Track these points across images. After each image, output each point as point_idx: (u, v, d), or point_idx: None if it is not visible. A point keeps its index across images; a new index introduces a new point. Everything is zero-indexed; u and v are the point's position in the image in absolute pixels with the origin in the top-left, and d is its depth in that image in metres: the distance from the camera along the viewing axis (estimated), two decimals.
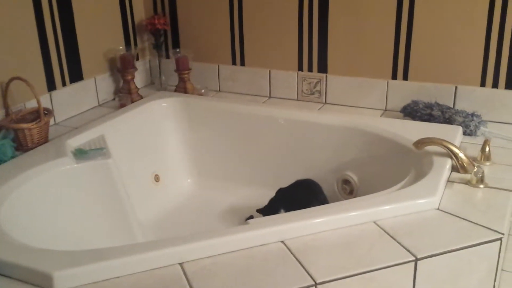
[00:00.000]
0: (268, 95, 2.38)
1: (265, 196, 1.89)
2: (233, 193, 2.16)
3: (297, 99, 2.33)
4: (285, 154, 2.11)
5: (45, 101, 2.01)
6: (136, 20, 2.49)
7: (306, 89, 2.30)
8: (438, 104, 1.99)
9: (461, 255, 1.25)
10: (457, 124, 1.87)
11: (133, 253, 1.20)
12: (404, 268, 1.20)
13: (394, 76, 2.14)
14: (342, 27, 2.16)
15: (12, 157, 1.72)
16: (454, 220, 1.35)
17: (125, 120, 2.07)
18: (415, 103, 2.02)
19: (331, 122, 2.00)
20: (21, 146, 1.81)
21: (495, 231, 1.29)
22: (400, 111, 2.07)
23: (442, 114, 1.93)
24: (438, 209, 1.40)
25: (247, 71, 2.40)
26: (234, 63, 2.42)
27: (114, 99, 2.37)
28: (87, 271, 1.16)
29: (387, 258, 1.21)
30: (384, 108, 2.18)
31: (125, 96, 2.30)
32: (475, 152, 1.68)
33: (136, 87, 2.35)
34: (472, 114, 1.91)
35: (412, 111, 2.00)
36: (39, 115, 1.84)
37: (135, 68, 2.33)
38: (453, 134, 1.77)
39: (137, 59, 2.49)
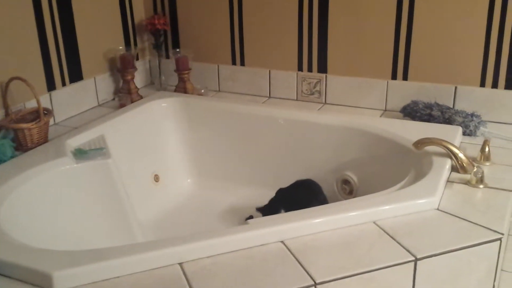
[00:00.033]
0: (268, 95, 2.38)
1: (265, 196, 1.89)
2: (233, 193, 2.16)
3: (297, 99, 2.33)
4: (284, 154, 2.11)
5: (44, 101, 2.01)
6: (136, 20, 2.49)
7: (306, 89, 2.30)
8: (437, 104, 1.99)
9: (461, 255, 1.25)
10: (457, 124, 1.87)
11: (132, 253, 1.21)
12: (403, 268, 1.21)
13: (394, 76, 2.14)
14: (342, 27, 2.16)
15: (12, 157, 1.72)
16: (454, 220, 1.35)
17: (125, 120, 2.07)
18: (414, 103, 2.02)
19: (331, 122, 2.00)
20: (21, 146, 1.81)
21: (495, 231, 1.29)
22: (400, 111, 2.07)
23: (441, 114, 1.93)
24: (437, 209, 1.40)
25: (247, 71, 2.40)
26: (234, 63, 2.42)
27: (114, 99, 2.37)
28: (87, 271, 1.16)
29: (386, 258, 1.21)
30: (384, 108, 2.18)
31: (125, 96, 2.30)
32: (475, 152, 1.68)
33: (136, 87, 2.35)
34: (472, 114, 1.91)
35: (412, 111, 2.00)
36: (38, 115, 1.84)
37: (135, 68, 2.33)
38: (453, 134, 1.77)
39: (137, 59, 2.49)
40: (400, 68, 2.12)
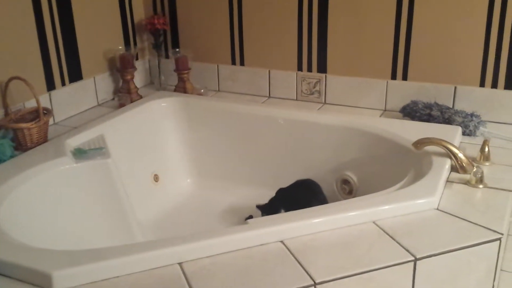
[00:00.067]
0: (268, 95, 2.38)
1: (265, 196, 1.89)
2: (232, 193, 2.16)
3: (296, 99, 2.33)
4: (284, 154, 2.11)
5: (44, 101, 2.01)
6: (136, 20, 2.49)
7: (306, 89, 2.30)
8: (437, 104, 1.99)
9: (460, 255, 1.25)
10: (457, 124, 1.87)
11: (132, 253, 1.21)
12: (403, 268, 1.21)
13: (394, 76, 2.14)
14: (341, 27, 2.16)
15: (11, 156, 1.72)
16: (453, 220, 1.35)
17: (125, 120, 2.07)
18: (414, 103, 2.02)
19: (330, 122, 2.00)
20: (20, 145, 1.81)
21: (494, 231, 1.29)
22: (400, 111, 2.07)
23: (441, 114, 1.93)
24: (437, 209, 1.40)
25: (246, 71, 2.40)
26: (233, 63, 2.42)
27: (113, 98, 2.37)
28: (86, 271, 1.16)
29: (386, 258, 1.21)
30: (384, 108, 2.18)
31: (124, 96, 2.30)
32: (474, 152, 1.68)
33: (136, 87, 2.35)
34: (472, 114, 1.91)
35: (412, 111, 2.00)
36: (38, 114, 1.84)
37: (134, 68, 2.33)
38: (452, 134, 1.77)
39: (137, 59, 2.49)
40: (399, 68, 2.12)
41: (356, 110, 2.19)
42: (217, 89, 2.48)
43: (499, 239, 1.27)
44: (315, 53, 2.25)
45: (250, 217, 1.90)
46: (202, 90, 2.40)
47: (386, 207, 1.38)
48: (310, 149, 2.05)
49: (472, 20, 1.95)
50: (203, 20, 2.42)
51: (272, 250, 1.25)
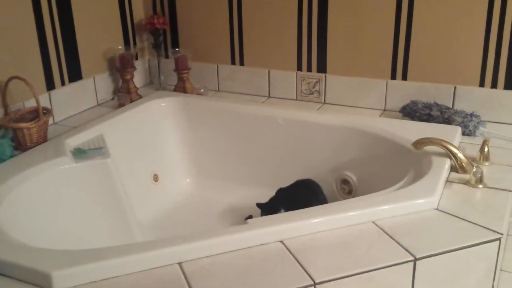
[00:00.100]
0: (267, 95, 2.38)
1: (264, 196, 1.89)
2: (232, 193, 2.16)
3: (296, 99, 2.33)
4: (284, 154, 2.11)
5: (44, 101, 2.01)
6: (135, 20, 2.48)
7: (305, 89, 2.30)
8: (437, 104, 1.99)
9: (460, 255, 1.25)
10: (456, 124, 1.87)
11: (131, 252, 1.20)
12: (403, 268, 1.21)
13: (393, 76, 2.14)
14: (341, 27, 2.16)
15: (11, 156, 1.72)
16: (453, 220, 1.35)
17: (124, 120, 2.07)
18: (414, 103, 2.02)
19: (330, 122, 2.00)
20: (20, 145, 1.81)
21: (494, 231, 1.29)
22: (399, 111, 2.07)
23: (441, 114, 1.93)
24: (437, 209, 1.40)
25: (246, 70, 2.40)
26: (233, 62, 2.42)
27: (113, 98, 2.37)
28: (86, 271, 1.16)
29: (385, 258, 1.21)
30: (383, 108, 2.18)
31: (124, 95, 2.30)
32: (474, 152, 1.68)
33: (135, 86, 2.35)
34: (471, 114, 1.91)
35: (411, 111, 2.00)
36: (38, 114, 1.84)
37: (134, 68, 2.33)
38: (452, 134, 1.77)
39: (136, 59, 2.49)
40: (399, 68, 2.12)
41: (356, 110, 2.19)
42: (217, 89, 2.48)
43: (499, 239, 1.27)
44: (314, 53, 2.25)
45: (250, 217, 1.90)
46: (202, 90, 2.40)
47: (386, 207, 1.38)
48: (310, 149, 2.05)
49: (472, 20, 1.95)
50: (202, 20, 2.42)
51: (272, 250, 1.25)
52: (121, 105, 2.24)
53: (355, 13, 2.12)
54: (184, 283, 1.14)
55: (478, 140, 1.76)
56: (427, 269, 1.23)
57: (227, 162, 2.22)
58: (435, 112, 1.94)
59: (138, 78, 2.45)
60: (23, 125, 1.79)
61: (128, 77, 2.32)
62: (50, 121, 2.00)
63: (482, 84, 2.00)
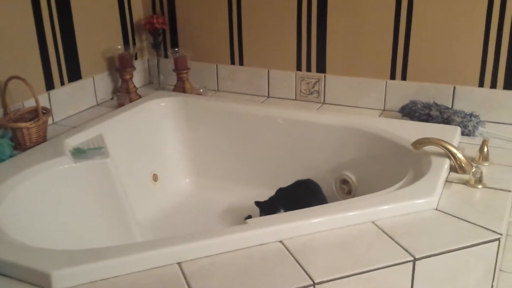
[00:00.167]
0: (267, 94, 2.38)
1: (264, 196, 1.88)
2: (231, 193, 2.16)
3: (295, 99, 2.33)
4: (283, 154, 2.11)
5: (43, 100, 2.00)
6: (135, 19, 2.48)
7: (305, 89, 2.30)
8: (436, 104, 1.99)
9: (459, 255, 1.25)
10: (456, 124, 1.87)
11: (131, 252, 1.20)
12: (402, 268, 1.21)
13: (393, 76, 2.14)
14: (341, 27, 2.16)
15: (10, 156, 1.72)
16: (452, 220, 1.35)
17: (124, 120, 2.07)
18: (413, 103, 2.02)
19: (329, 122, 2.00)
20: (19, 145, 1.81)
21: (493, 231, 1.29)
22: (399, 111, 2.07)
23: (440, 114, 1.93)
24: (436, 209, 1.40)
25: (245, 70, 2.40)
26: (232, 62, 2.42)
27: (112, 98, 2.37)
28: (85, 271, 1.16)
29: (385, 258, 1.21)
30: (383, 108, 2.18)
31: (123, 95, 2.30)
32: (474, 152, 1.68)
33: (135, 86, 2.35)
34: (471, 115, 1.91)
35: (411, 111, 2.00)
36: (37, 114, 1.84)
37: (133, 68, 2.33)
38: (451, 135, 1.78)
39: (136, 59, 2.48)
40: (399, 68, 2.12)
41: (355, 110, 2.19)
42: (216, 89, 2.48)
43: (498, 239, 1.27)
44: (314, 53, 2.25)
45: (249, 217, 1.90)
46: (201, 90, 2.40)
47: (385, 207, 1.38)
48: (309, 149, 2.05)
49: (471, 20, 1.95)
50: (202, 20, 2.42)
51: (271, 250, 1.25)
52: (120, 105, 2.24)
53: (354, 13, 2.12)
54: (184, 283, 1.14)
55: (478, 140, 1.76)
56: (426, 269, 1.23)
57: (227, 162, 2.22)
58: (434, 112, 1.94)
59: (137, 78, 2.45)
60: (22, 125, 1.79)
61: (128, 77, 2.32)
62: (50, 121, 2.00)
63: (481, 84, 2.00)
